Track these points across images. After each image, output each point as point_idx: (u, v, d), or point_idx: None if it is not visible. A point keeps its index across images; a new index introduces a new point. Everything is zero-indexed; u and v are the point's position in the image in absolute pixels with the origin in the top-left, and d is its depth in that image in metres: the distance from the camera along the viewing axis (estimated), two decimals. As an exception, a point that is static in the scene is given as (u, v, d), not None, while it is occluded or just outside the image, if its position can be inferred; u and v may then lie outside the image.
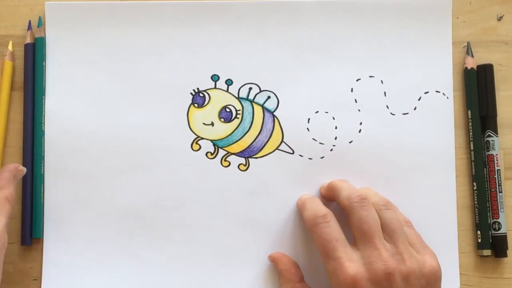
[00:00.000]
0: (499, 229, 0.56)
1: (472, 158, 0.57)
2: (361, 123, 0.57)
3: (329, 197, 0.55)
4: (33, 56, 0.57)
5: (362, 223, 0.50)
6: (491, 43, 0.59)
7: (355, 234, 0.51)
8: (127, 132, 0.57)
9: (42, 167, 0.56)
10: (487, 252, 0.56)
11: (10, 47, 0.57)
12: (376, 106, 0.58)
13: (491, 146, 0.57)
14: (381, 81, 0.58)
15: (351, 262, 0.49)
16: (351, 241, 0.51)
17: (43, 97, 0.56)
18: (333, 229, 0.51)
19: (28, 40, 0.57)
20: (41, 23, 0.57)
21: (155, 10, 0.58)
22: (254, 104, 0.57)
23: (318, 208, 0.53)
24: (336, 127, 0.57)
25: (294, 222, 0.56)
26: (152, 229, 0.56)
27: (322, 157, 0.57)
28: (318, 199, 0.55)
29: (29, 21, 0.57)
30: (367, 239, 0.50)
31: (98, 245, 0.56)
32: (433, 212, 0.56)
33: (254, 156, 0.57)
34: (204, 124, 0.57)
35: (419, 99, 0.58)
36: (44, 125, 0.56)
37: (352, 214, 0.51)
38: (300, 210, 0.55)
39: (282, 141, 0.57)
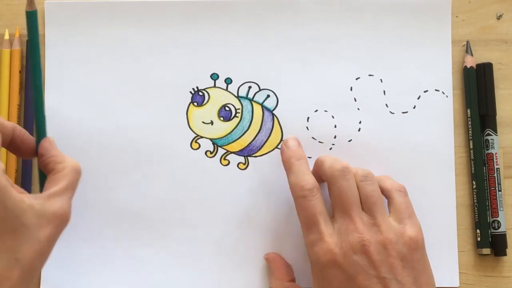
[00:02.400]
0: (499, 227, 0.56)
1: (472, 156, 0.57)
2: (360, 122, 0.57)
3: (316, 173, 0.54)
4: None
5: (341, 194, 0.51)
6: (491, 41, 0.59)
7: (334, 205, 0.52)
8: (126, 130, 0.57)
9: (42, 166, 0.56)
10: (487, 250, 0.56)
11: (6, 36, 0.57)
12: (376, 104, 0.58)
13: (490, 144, 0.57)
14: (381, 80, 0.58)
15: (330, 237, 0.50)
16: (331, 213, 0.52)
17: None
18: (318, 203, 0.51)
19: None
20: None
21: (154, 8, 0.58)
22: (253, 103, 0.58)
23: (307, 178, 0.52)
24: (335, 126, 0.57)
25: (294, 221, 0.56)
26: (152, 228, 0.56)
27: (321, 156, 0.57)
28: (306, 163, 0.53)
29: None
30: (345, 211, 0.50)
31: (98, 244, 0.56)
32: (432, 211, 0.56)
33: (253, 155, 0.57)
34: (203, 122, 0.57)
35: (418, 98, 0.58)
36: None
37: (333, 184, 0.52)
38: (285, 168, 0.54)
39: (281, 139, 0.57)
